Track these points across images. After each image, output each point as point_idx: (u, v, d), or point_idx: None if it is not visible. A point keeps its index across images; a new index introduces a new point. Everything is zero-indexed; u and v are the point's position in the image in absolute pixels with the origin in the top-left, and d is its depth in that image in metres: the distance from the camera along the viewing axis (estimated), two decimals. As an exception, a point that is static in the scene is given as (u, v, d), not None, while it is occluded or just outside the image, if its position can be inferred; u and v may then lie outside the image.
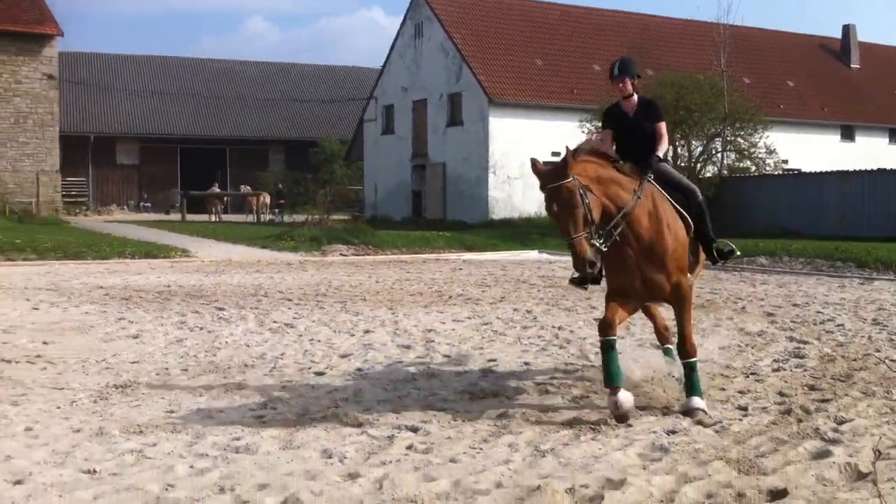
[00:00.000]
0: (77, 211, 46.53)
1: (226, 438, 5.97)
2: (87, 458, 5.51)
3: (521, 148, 34.54)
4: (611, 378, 6.40)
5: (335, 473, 5.23)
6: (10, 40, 38.53)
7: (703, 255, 7.42)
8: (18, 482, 5.07)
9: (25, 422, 6.41)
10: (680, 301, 6.82)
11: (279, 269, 20.25)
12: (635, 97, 7.38)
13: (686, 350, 6.84)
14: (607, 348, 6.48)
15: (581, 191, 6.12)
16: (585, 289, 7.19)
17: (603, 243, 6.24)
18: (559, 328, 11.06)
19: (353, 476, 5.18)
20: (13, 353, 9.23)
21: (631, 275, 6.66)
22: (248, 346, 9.82)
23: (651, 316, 8.02)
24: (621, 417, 6.30)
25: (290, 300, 13.92)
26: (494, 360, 8.85)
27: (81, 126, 52.21)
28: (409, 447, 5.79)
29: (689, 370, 6.77)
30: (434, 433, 6.14)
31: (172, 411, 6.79)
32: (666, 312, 7.89)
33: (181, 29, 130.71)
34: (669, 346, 7.85)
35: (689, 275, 7.01)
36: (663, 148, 7.26)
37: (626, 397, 6.32)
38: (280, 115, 58.54)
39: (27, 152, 39.30)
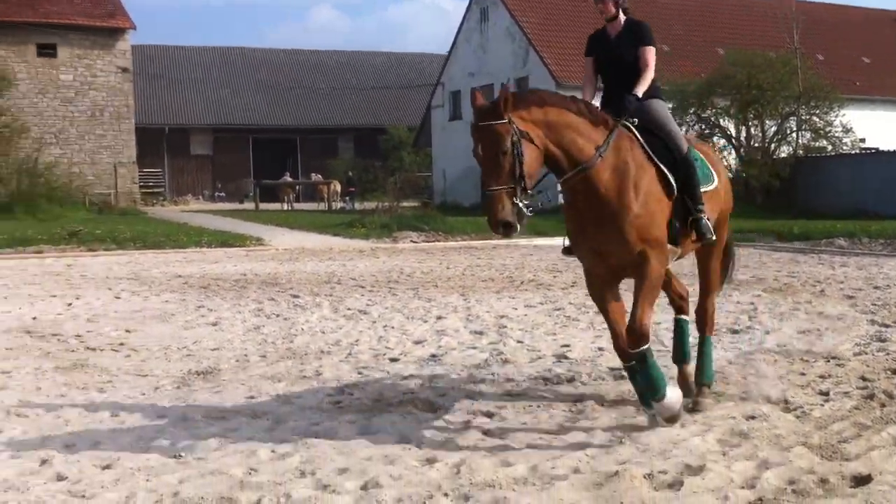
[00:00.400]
0: (154, 201, 47.53)
1: (305, 423, 6.08)
2: (172, 442, 5.66)
3: (589, 131, 34.14)
4: (657, 388, 5.59)
5: (413, 458, 5.28)
6: (84, 35, 39.52)
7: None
8: (107, 467, 5.23)
9: (111, 408, 6.60)
10: (642, 274, 5.64)
11: (351, 256, 20.45)
12: (622, 19, 6.25)
13: (635, 331, 5.51)
14: (645, 361, 5.59)
15: (515, 137, 5.09)
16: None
17: (528, 206, 5.14)
18: (632, 313, 10.96)
19: (430, 461, 5.22)
20: (98, 342, 9.51)
21: (586, 243, 5.69)
22: (323, 332, 9.95)
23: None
24: (672, 419, 5.67)
25: (362, 287, 14.05)
26: (568, 346, 8.81)
27: (156, 118, 53.16)
28: (486, 432, 5.82)
29: (640, 362, 5.56)
30: (510, 418, 6.17)
31: (252, 397, 6.93)
32: (683, 280, 7.26)
33: (249, 19, 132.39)
34: (684, 316, 6.77)
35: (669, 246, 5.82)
36: (645, 83, 5.97)
37: (676, 395, 5.65)
38: (349, 104, 58.90)
39: (104, 144, 40.31)
